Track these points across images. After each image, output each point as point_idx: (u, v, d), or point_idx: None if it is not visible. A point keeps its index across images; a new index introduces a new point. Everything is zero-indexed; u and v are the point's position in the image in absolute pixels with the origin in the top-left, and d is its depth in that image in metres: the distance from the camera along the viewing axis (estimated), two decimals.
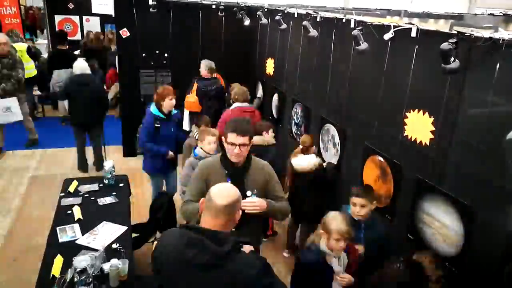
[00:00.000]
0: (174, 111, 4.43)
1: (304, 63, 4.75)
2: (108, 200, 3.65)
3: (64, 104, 7.36)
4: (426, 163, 2.93)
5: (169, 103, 4.24)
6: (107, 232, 3.17)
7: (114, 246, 2.98)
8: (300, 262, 2.69)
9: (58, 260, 2.75)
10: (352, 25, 3.65)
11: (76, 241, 3.04)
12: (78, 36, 10.76)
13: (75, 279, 2.49)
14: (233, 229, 1.92)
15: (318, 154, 4.25)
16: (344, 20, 3.84)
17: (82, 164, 5.92)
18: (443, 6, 8.78)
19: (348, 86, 3.90)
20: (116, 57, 6.65)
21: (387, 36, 3.08)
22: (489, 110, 2.44)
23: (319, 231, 2.61)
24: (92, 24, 10.79)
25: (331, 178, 4.00)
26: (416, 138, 3.03)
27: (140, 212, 4.48)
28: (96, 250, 2.84)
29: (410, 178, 3.08)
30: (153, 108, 4.27)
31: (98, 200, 3.63)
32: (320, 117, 4.40)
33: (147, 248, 4.02)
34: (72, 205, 3.48)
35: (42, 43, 11.26)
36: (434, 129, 2.86)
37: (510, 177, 2.31)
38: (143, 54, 6.11)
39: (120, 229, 3.23)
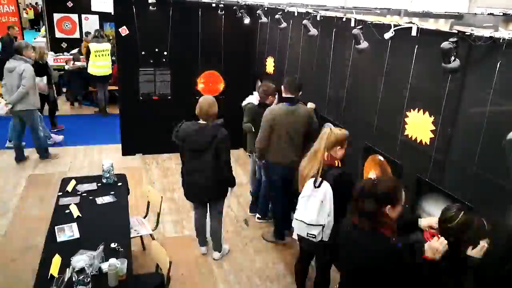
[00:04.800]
0: None
1: (304, 62, 4.74)
2: (106, 199, 3.63)
3: None
4: (426, 163, 2.92)
5: None
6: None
7: (112, 245, 2.97)
8: None
9: (56, 260, 2.73)
10: (352, 24, 3.63)
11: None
12: (77, 35, 10.73)
13: (73, 279, 2.48)
14: None
15: None
16: (344, 19, 3.83)
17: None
18: (443, 5, 8.75)
19: (348, 85, 3.88)
20: None
21: (387, 35, 3.07)
22: (489, 110, 2.43)
23: None
24: (91, 22, 10.75)
25: None
26: (416, 138, 3.03)
27: (139, 211, 4.47)
28: (95, 250, 2.82)
29: (410, 177, 3.08)
30: None
31: (96, 199, 3.61)
32: (319, 116, 4.39)
33: (146, 248, 4.01)
34: (70, 205, 3.46)
35: (41, 41, 11.22)
36: (434, 128, 2.85)
37: (510, 176, 2.30)
38: (143, 53, 6.09)
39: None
